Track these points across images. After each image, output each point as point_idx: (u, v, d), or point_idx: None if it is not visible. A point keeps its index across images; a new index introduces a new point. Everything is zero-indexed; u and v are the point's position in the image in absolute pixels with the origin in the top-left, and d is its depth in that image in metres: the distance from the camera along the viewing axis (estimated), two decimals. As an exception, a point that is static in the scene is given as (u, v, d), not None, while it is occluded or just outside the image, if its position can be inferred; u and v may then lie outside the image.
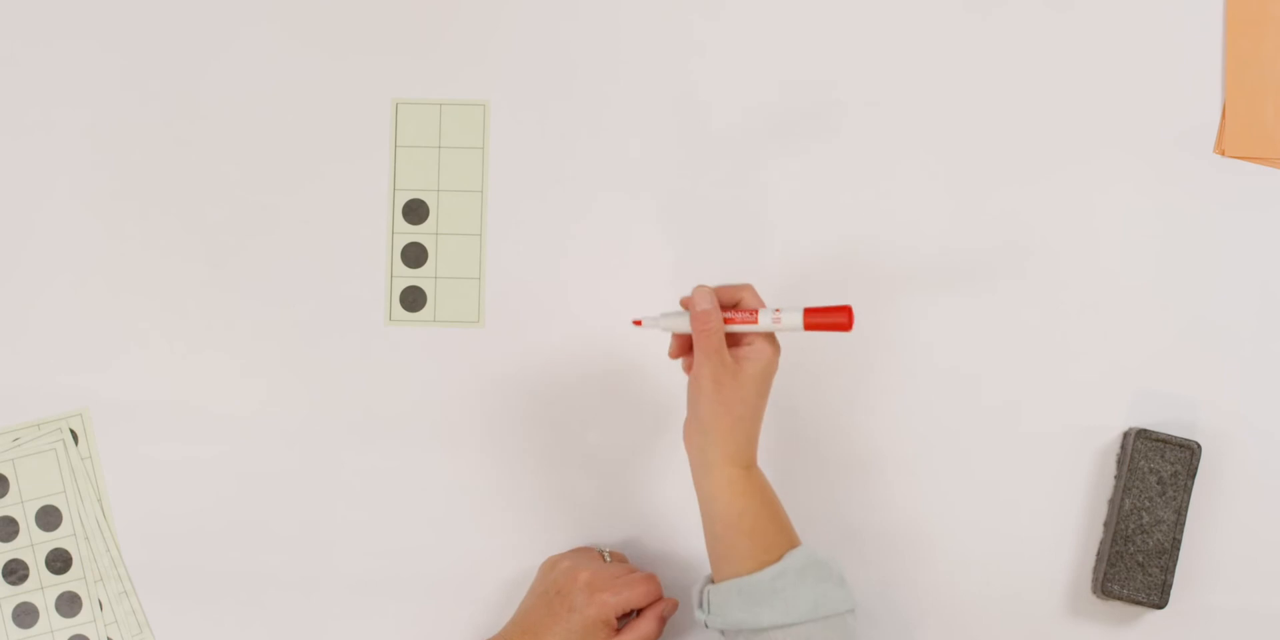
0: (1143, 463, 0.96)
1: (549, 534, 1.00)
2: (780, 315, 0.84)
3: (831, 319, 0.83)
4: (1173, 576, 0.95)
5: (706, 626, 0.86)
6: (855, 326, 0.83)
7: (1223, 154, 1.00)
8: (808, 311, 0.84)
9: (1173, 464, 0.96)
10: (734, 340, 0.85)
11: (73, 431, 1.01)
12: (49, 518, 1.01)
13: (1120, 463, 0.98)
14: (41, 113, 1.03)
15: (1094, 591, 0.97)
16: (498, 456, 1.00)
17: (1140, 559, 0.96)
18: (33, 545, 1.00)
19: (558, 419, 1.00)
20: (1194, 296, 1.00)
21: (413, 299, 1.02)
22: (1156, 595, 0.95)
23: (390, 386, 1.01)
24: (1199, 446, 0.96)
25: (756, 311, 0.85)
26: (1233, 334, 1.00)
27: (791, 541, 0.85)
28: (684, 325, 0.86)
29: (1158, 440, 0.96)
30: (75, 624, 1.00)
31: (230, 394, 1.01)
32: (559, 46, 1.02)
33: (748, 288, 0.87)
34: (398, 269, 1.02)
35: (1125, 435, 0.98)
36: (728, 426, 0.84)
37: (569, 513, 1.00)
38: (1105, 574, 0.96)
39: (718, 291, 0.86)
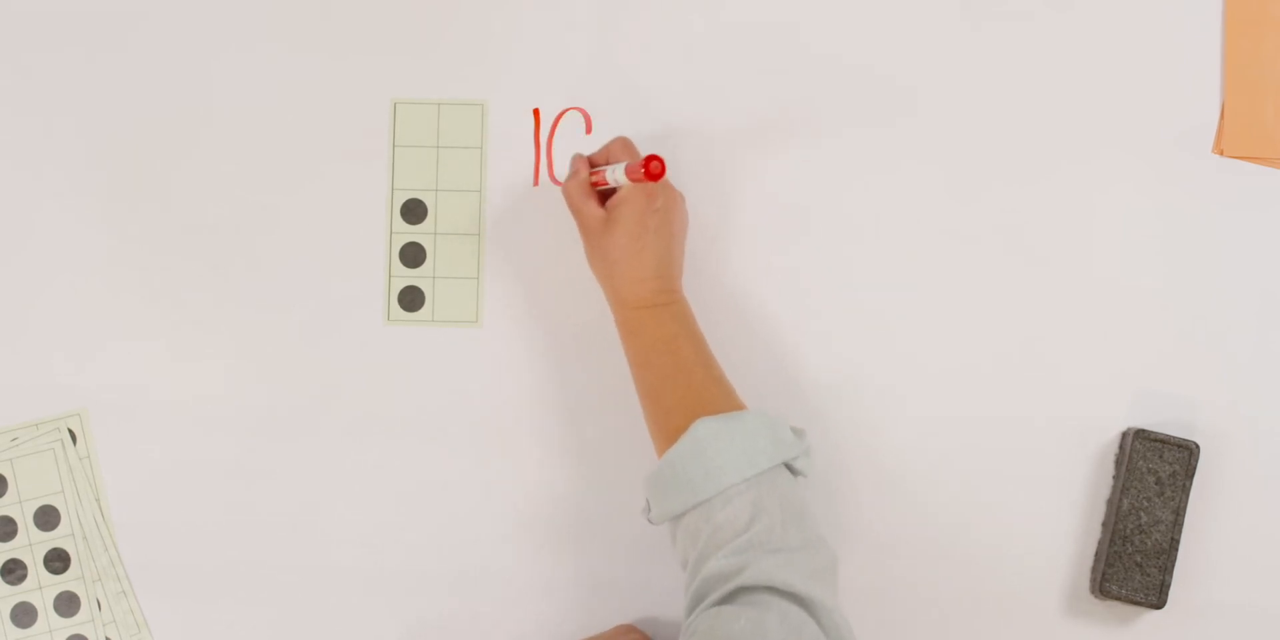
0: (1141, 463, 0.96)
1: (548, 533, 1.00)
2: (615, 173, 0.91)
3: (641, 173, 0.86)
4: (1171, 576, 0.95)
5: (652, 523, 0.88)
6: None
7: (1222, 154, 1.00)
8: (628, 169, 0.89)
9: (1171, 464, 0.96)
10: (612, 191, 0.93)
11: (71, 431, 1.01)
12: (47, 517, 1.01)
13: (1119, 463, 0.98)
14: (41, 114, 1.03)
15: (1092, 591, 0.97)
16: (495, 455, 1.01)
17: (1138, 559, 0.96)
18: (31, 545, 1.01)
19: (555, 418, 1.01)
20: (1193, 297, 1.00)
21: (411, 299, 1.02)
22: (1154, 595, 0.95)
23: (388, 386, 1.01)
24: (1197, 447, 0.96)
25: (604, 170, 0.92)
26: (1232, 334, 0.99)
27: (700, 399, 0.88)
28: None
29: (1156, 440, 0.96)
30: (74, 624, 1.00)
31: (228, 394, 1.01)
32: (558, 46, 1.02)
33: (616, 142, 0.95)
34: (396, 269, 1.02)
35: (1124, 435, 0.98)
36: (605, 272, 0.93)
37: (567, 512, 1.00)
38: (1103, 574, 0.96)
39: (594, 155, 0.96)
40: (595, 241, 0.93)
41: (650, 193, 0.91)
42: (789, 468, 0.86)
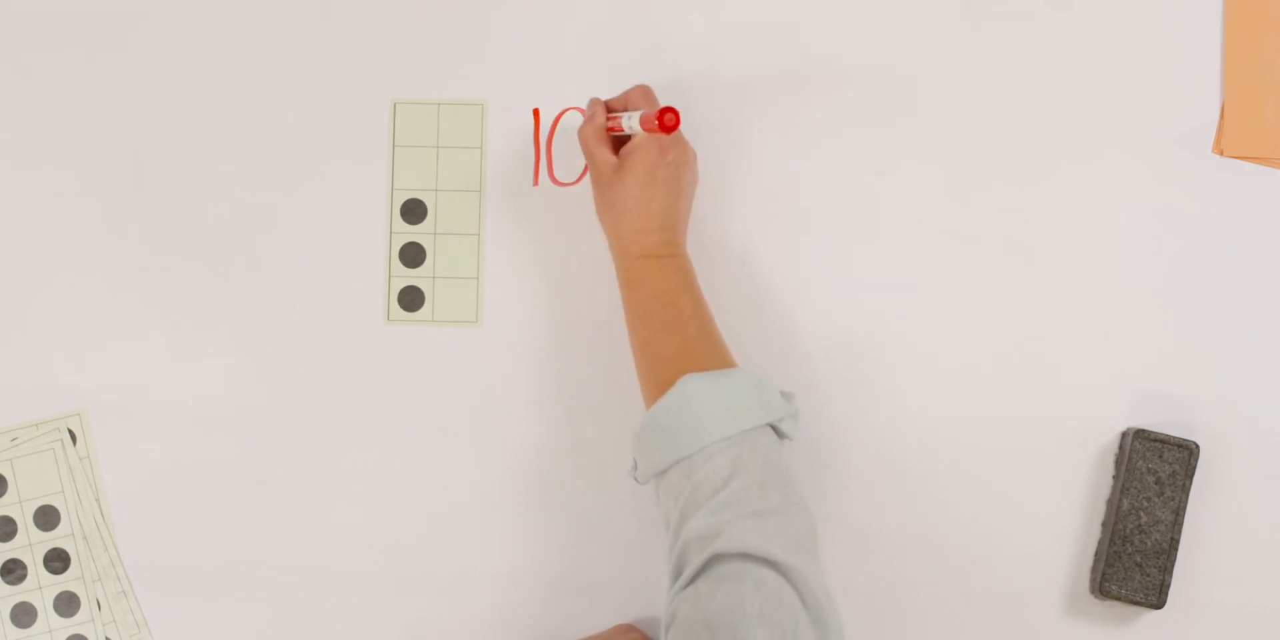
0: (1141, 463, 0.96)
1: (547, 532, 1.00)
2: (630, 120, 0.91)
3: (655, 124, 0.85)
4: (1170, 576, 0.95)
5: (638, 482, 0.88)
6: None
7: (1221, 154, 1.00)
8: (643, 119, 0.88)
9: (1171, 464, 0.96)
10: (628, 138, 0.93)
11: (71, 431, 1.01)
12: (47, 517, 1.01)
13: (1118, 463, 0.98)
14: (41, 114, 1.03)
15: (1092, 591, 0.97)
16: (495, 456, 1.01)
17: (1138, 559, 0.96)
18: (31, 545, 1.01)
19: (555, 418, 1.01)
20: (1193, 296, 1.00)
21: (411, 299, 1.02)
22: (1154, 595, 0.95)
23: (388, 386, 1.01)
24: (1197, 447, 0.96)
25: (620, 116, 0.93)
26: (1232, 334, 0.99)
27: (691, 354, 0.88)
28: None
29: (1156, 440, 0.96)
30: (73, 624, 1.00)
31: (228, 394, 1.01)
32: (558, 46, 1.02)
33: (636, 89, 0.95)
34: (396, 269, 1.02)
35: (1123, 435, 0.98)
36: (612, 220, 0.93)
37: (566, 511, 1.00)
38: (1103, 574, 0.96)
39: (613, 100, 0.96)
40: (604, 189, 0.93)
41: (663, 145, 0.91)
42: (775, 430, 0.86)
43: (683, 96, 1.01)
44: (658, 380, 0.87)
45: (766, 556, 0.77)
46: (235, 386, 1.01)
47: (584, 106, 1.01)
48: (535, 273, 1.01)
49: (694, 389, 0.84)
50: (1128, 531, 0.96)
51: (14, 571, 1.00)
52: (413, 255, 1.02)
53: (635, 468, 0.89)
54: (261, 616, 1.01)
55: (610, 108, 0.96)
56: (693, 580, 0.78)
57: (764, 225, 1.01)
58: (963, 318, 1.00)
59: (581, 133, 0.95)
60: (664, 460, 0.84)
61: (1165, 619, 0.97)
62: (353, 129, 1.02)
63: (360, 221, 1.02)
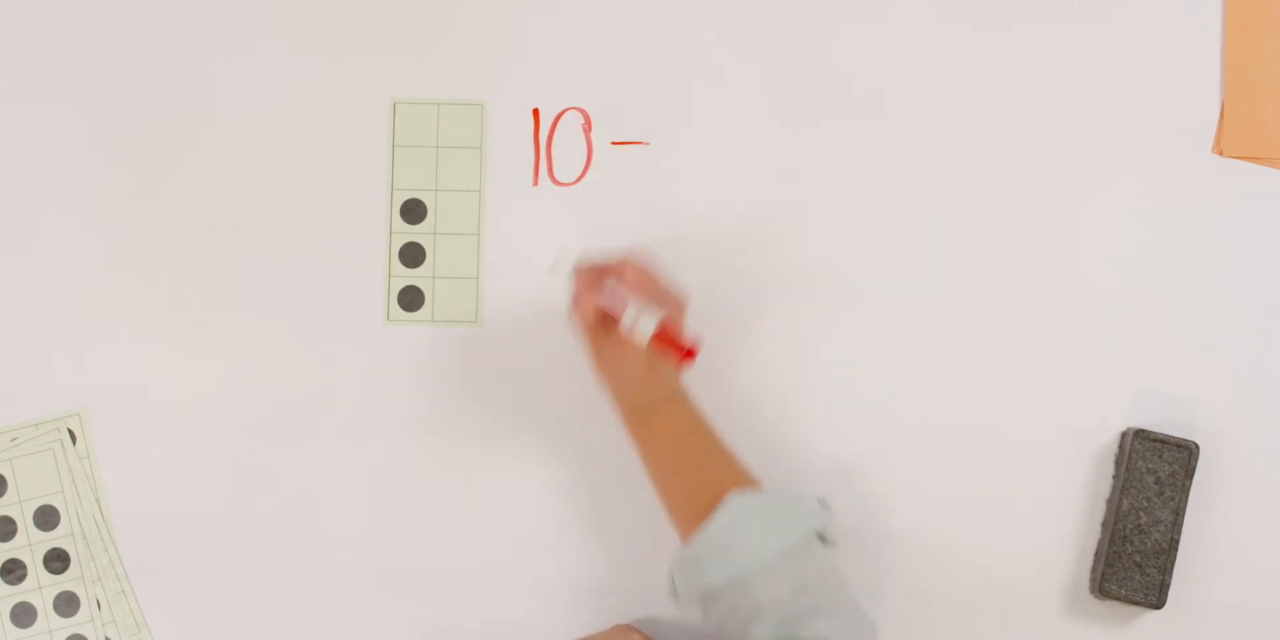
0: (1141, 463, 0.96)
1: (547, 533, 1.00)
2: (637, 325, 0.85)
3: (672, 350, 0.84)
4: (1170, 577, 0.95)
5: (679, 608, 0.87)
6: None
7: (1221, 154, 1.00)
8: (656, 336, 0.85)
9: (1171, 464, 0.96)
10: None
11: (71, 431, 1.01)
12: (47, 517, 1.01)
13: (1118, 463, 0.98)
14: (41, 112, 1.03)
15: (1092, 592, 0.97)
16: (496, 456, 1.00)
17: (1138, 559, 0.96)
18: (30, 545, 1.01)
19: (555, 418, 1.01)
20: (1193, 297, 1.00)
21: (411, 299, 1.02)
22: (1154, 595, 0.95)
23: (388, 386, 1.01)
24: (1197, 447, 0.96)
25: (625, 307, 0.86)
26: (1232, 334, 0.99)
27: (721, 480, 0.87)
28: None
29: (1156, 440, 0.96)
30: (73, 624, 1.00)
31: (228, 393, 1.01)
32: (558, 46, 1.02)
33: (632, 267, 0.87)
34: (396, 269, 1.02)
35: (1123, 435, 0.98)
36: (610, 382, 0.90)
37: (567, 512, 1.00)
38: (1103, 574, 0.96)
39: (605, 266, 0.88)
40: (603, 362, 0.90)
41: None
42: (820, 538, 0.86)
43: (676, 96, 1.01)
44: (691, 508, 0.86)
45: None
46: (235, 386, 1.01)
47: (584, 107, 1.01)
48: (535, 272, 1.01)
49: (742, 506, 0.84)
50: (1128, 531, 0.96)
51: (14, 571, 1.00)
52: (413, 255, 1.02)
53: (674, 591, 0.87)
54: (261, 616, 1.01)
55: (602, 272, 0.88)
56: None
57: (756, 224, 1.01)
58: (962, 319, 1.00)
59: (574, 320, 0.89)
60: (719, 579, 0.83)
61: (1165, 619, 0.97)
62: (353, 129, 1.02)
63: (360, 221, 1.02)
